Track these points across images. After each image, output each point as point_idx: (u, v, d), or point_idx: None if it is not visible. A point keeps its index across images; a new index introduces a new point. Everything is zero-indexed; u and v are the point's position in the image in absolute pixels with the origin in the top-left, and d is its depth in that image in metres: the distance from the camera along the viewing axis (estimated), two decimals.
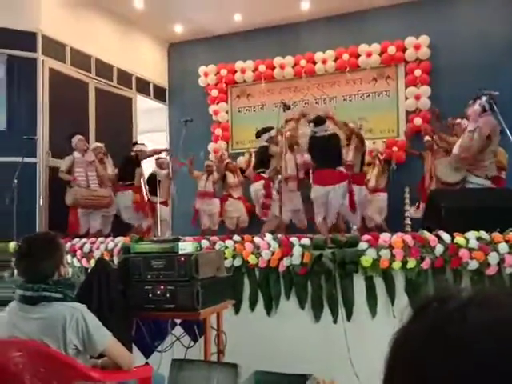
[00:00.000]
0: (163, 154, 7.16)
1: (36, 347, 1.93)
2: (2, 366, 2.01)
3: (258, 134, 6.77)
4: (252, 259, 3.49)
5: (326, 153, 5.53)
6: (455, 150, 5.00)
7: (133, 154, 6.75)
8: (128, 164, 6.66)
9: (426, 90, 7.68)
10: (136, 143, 7.12)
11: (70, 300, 2.02)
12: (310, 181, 5.76)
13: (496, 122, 4.56)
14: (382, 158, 7.14)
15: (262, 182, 6.20)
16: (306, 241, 3.44)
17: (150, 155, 6.98)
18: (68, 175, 6.03)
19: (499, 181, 5.00)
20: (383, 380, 0.50)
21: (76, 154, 6.11)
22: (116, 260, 3.77)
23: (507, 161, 5.53)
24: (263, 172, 6.36)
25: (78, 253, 4.13)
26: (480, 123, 4.65)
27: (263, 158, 6.45)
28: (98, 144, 6.63)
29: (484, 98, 4.74)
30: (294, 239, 3.47)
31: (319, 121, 5.77)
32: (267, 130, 6.57)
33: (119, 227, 6.30)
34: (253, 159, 7.10)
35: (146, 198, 6.77)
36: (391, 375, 0.50)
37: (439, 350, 0.45)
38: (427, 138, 6.47)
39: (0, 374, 2.07)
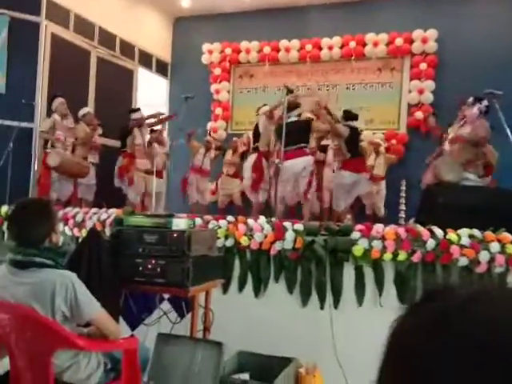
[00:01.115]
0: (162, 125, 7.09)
1: (24, 311, 1.93)
2: None
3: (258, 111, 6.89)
4: (244, 241, 3.49)
5: (294, 135, 5.63)
6: (446, 146, 5.09)
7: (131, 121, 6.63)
8: (123, 131, 6.59)
9: (430, 84, 7.64)
10: (133, 110, 6.90)
11: (60, 268, 2.02)
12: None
13: (488, 127, 4.72)
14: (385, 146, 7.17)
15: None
16: (299, 226, 3.44)
17: (155, 124, 6.92)
18: (51, 136, 5.90)
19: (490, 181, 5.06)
20: (379, 373, 0.50)
21: (56, 117, 5.97)
22: (108, 231, 3.76)
23: (497, 160, 5.55)
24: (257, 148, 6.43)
25: (70, 222, 4.12)
26: (477, 124, 4.75)
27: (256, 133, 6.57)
28: (90, 110, 6.55)
29: (484, 103, 4.81)
30: (287, 224, 3.47)
31: (292, 106, 5.84)
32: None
33: (108, 197, 6.18)
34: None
35: (135, 165, 6.54)
36: (389, 368, 0.49)
37: (440, 344, 0.45)
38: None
39: None
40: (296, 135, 5.69)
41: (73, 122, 6.17)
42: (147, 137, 6.79)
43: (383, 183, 6.88)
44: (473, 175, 4.70)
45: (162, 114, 7.25)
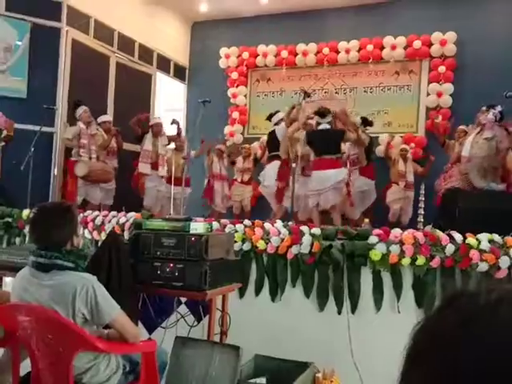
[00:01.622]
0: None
1: (45, 313, 1.96)
2: (10, 329, 2.05)
3: (269, 117, 6.84)
4: (261, 244, 3.49)
5: (327, 144, 5.59)
6: (465, 152, 5.03)
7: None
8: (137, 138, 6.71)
9: (448, 87, 7.56)
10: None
11: (81, 270, 2.05)
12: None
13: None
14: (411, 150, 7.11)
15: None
16: (316, 230, 3.43)
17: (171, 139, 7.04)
18: (75, 143, 6.04)
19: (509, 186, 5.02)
20: (403, 369, 0.50)
21: (81, 125, 6.10)
22: (126, 235, 3.80)
23: None
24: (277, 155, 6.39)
25: (90, 225, 4.17)
26: (497, 132, 4.72)
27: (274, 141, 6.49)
28: (109, 117, 6.66)
29: (497, 109, 4.80)
30: (304, 228, 3.47)
31: (324, 113, 5.79)
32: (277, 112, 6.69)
33: (127, 201, 6.24)
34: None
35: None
36: (415, 370, 0.49)
37: (469, 343, 0.45)
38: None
39: (8, 338, 2.12)
40: (329, 144, 5.60)
41: (95, 129, 6.27)
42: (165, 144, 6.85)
43: (413, 191, 6.81)
44: (495, 184, 4.69)
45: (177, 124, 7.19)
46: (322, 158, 5.54)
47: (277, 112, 6.76)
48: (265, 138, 7.26)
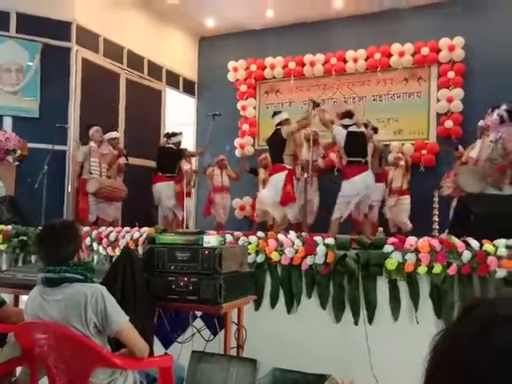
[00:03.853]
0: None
1: (61, 330, 1.97)
2: (28, 347, 2.06)
3: (274, 114, 6.49)
4: (275, 256, 3.47)
5: (358, 147, 5.51)
6: (473, 154, 4.97)
7: (170, 145, 6.80)
8: (167, 155, 6.78)
9: (458, 92, 7.53)
10: (173, 135, 7.02)
11: (90, 281, 2.09)
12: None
13: None
14: (407, 159, 7.05)
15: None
16: (330, 240, 3.41)
17: (193, 155, 7.24)
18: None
19: None
20: (424, 381, 0.49)
21: (92, 144, 6.24)
22: (140, 250, 3.81)
23: None
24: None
25: (104, 241, 4.19)
26: (504, 134, 4.61)
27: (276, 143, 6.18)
28: (117, 134, 6.74)
29: (503, 107, 4.70)
30: (318, 238, 3.44)
31: (352, 113, 5.74)
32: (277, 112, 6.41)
33: (133, 216, 6.26)
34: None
35: (183, 190, 6.85)
36: (435, 375, 0.49)
37: (486, 352, 0.44)
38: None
39: (26, 356, 2.12)
40: (360, 148, 5.51)
41: (107, 148, 6.36)
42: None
43: (407, 197, 6.75)
44: (493, 190, 4.58)
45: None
46: (352, 163, 5.42)
47: (280, 112, 6.49)
48: None
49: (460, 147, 6.24)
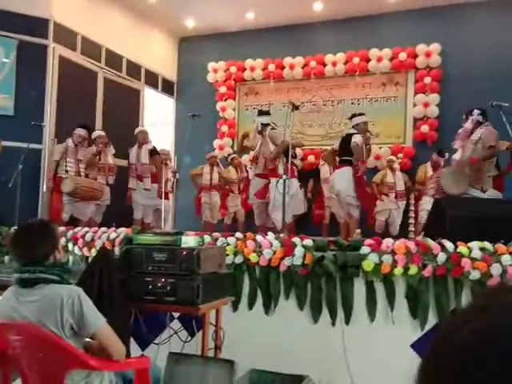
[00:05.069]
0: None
1: (35, 332, 1.93)
2: (1, 349, 2.01)
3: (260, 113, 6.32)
4: (253, 257, 3.47)
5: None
6: (456, 156, 5.06)
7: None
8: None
9: (434, 97, 7.66)
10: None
11: (66, 283, 2.05)
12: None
13: (497, 132, 4.66)
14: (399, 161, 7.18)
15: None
16: (308, 242, 3.43)
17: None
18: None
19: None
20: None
21: (69, 143, 6.17)
22: (117, 250, 3.76)
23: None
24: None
25: (80, 241, 4.13)
26: (483, 134, 4.73)
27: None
28: (101, 133, 6.64)
29: (476, 112, 4.82)
30: (296, 239, 3.46)
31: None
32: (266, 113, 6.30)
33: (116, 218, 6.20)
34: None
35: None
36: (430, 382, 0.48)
37: (486, 359, 0.44)
38: None
39: None
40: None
41: (86, 149, 6.29)
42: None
43: (403, 201, 6.87)
44: (477, 191, 4.68)
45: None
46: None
47: (268, 112, 6.35)
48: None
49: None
